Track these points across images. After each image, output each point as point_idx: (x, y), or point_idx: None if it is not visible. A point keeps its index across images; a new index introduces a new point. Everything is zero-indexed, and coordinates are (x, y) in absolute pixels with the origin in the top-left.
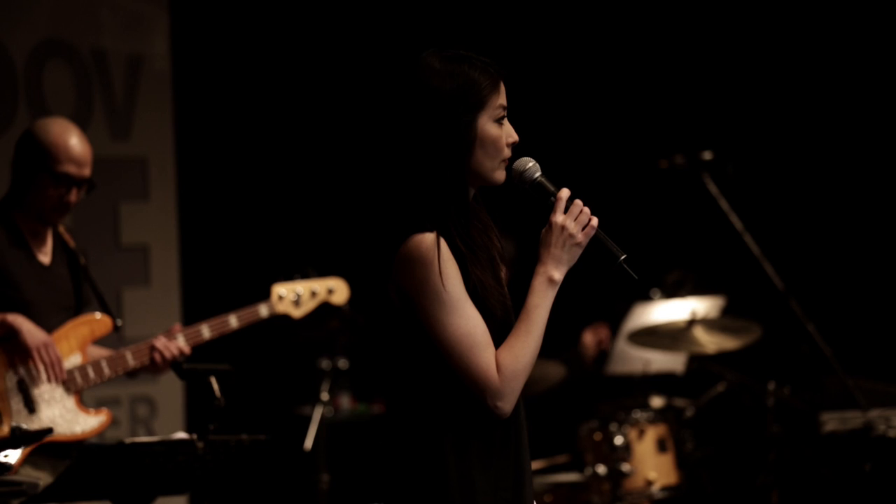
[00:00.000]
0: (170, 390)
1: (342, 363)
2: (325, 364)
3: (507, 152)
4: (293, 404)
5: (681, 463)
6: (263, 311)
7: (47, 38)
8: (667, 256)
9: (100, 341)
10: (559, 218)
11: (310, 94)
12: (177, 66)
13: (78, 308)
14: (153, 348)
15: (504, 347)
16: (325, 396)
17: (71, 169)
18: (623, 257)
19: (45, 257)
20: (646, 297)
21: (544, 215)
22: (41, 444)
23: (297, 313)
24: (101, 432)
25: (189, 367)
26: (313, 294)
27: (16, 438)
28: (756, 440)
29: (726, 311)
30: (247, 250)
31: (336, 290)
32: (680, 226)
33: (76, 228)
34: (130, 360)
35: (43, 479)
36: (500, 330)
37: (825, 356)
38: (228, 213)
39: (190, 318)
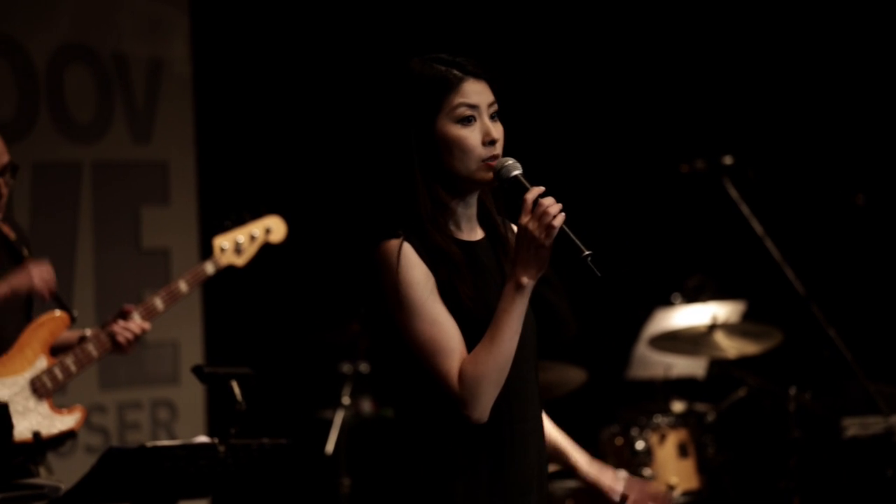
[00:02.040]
0: (191, 394)
1: (363, 367)
2: (346, 368)
3: (483, 151)
4: (315, 408)
5: (702, 468)
6: (209, 268)
7: (68, 43)
8: (688, 261)
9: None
10: (523, 220)
11: (330, 97)
12: (197, 69)
13: (29, 304)
14: (111, 333)
15: (470, 354)
16: (346, 400)
17: None
18: (587, 254)
19: None
20: (667, 302)
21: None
22: (33, 448)
23: (240, 261)
24: (78, 429)
25: (210, 371)
26: (252, 238)
27: (39, 443)
28: (777, 445)
29: (747, 316)
30: (267, 253)
31: (273, 228)
32: (701, 230)
33: (97, 232)
34: (94, 352)
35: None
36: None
37: (846, 361)
38: (250, 216)
39: (211, 321)
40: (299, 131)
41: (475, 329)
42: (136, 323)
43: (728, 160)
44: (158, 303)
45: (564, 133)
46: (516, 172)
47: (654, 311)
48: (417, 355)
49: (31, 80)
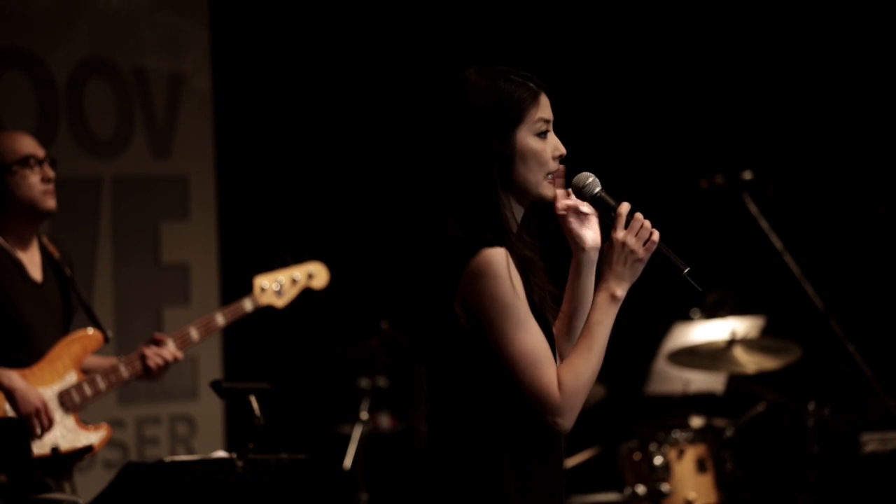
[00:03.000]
0: (209, 409)
1: (382, 382)
2: (364, 383)
3: (553, 165)
4: (333, 423)
5: (720, 483)
6: (248, 305)
7: (89, 58)
8: (707, 276)
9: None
10: (620, 234)
11: (351, 113)
12: (217, 84)
13: (67, 322)
14: (143, 356)
15: (565, 363)
16: (364, 415)
17: (30, 149)
18: (686, 270)
19: (36, 273)
20: (686, 317)
21: (605, 231)
22: (52, 462)
23: (279, 303)
24: (103, 446)
25: (228, 386)
26: (294, 281)
27: (57, 457)
28: (796, 461)
29: (766, 332)
30: (283, 255)
31: (316, 274)
32: (720, 246)
33: (116, 247)
34: (124, 372)
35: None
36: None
37: (866, 376)
38: (269, 232)
39: (230, 339)
40: (319, 145)
41: (552, 342)
42: (170, 350)
43: (747, 175)
44: (194, 333)
45: (584, 148)
46: (599, 189)
47: (672, 327)
48: (511, 365)
49: (52, 94)
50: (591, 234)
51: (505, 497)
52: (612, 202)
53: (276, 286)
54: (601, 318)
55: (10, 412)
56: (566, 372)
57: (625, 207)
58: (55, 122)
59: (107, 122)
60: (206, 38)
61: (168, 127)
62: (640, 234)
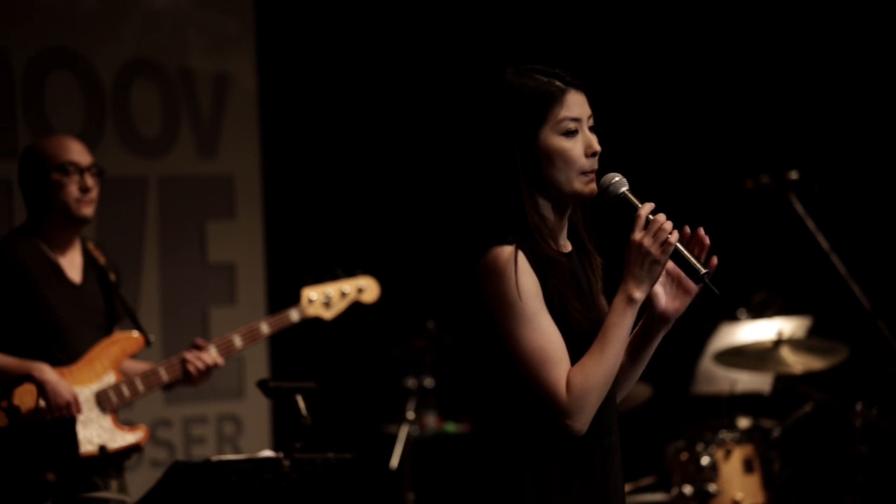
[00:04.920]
0: (256, 408)
1: (428, 381)
2: (410, 382)
3: (585, 163)
4: (379, 423)
5: (768, 484)
6: (294, 315)
7: (135, 58)
8: (753, 276)
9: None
10: (637, 235)
11: (396, 111)
12: (263, 83)
13: (109, 325)
14: (184, 361)
15: (577, 365)
16: (410, 415)
17: (73, 157)
18: (704, 273)
19: (75, 275)
20: (732, 317)
21: (630, 231)
22: (99, 461)
23: (328, 315)
24: (141, 446)
25: (275, 386)
26: (343, 294)
27: (105, 456)
28: (843, 461)
29: (813, 331)
30: (334, 268)
31: (366, 288)
32: (766, 246)
33: (162, 247)
34: (164, 376)
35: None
36: (587, 345)
37: None
38: (315, 230)
39: (277, 338)
40: (365, 144)
41: (579, 342)
42: (211, 356)
43: (794, 175)
44: (237, 340)
45: (630, 149)
46: (624, 189)
47: (719, 327)
48: (521, 365)
49: (98, 95)
50: (666, 300)
51: (521, 500)
52: (636, 202)
53: (323, 298)
54: (617, 321)
55: (42, 404)
56: (576, 373)
57: (646, 208)
58: (101, 123)
59: (153, 121)
60: (252, 37)
61: (214, 126)
62: (657, 235)
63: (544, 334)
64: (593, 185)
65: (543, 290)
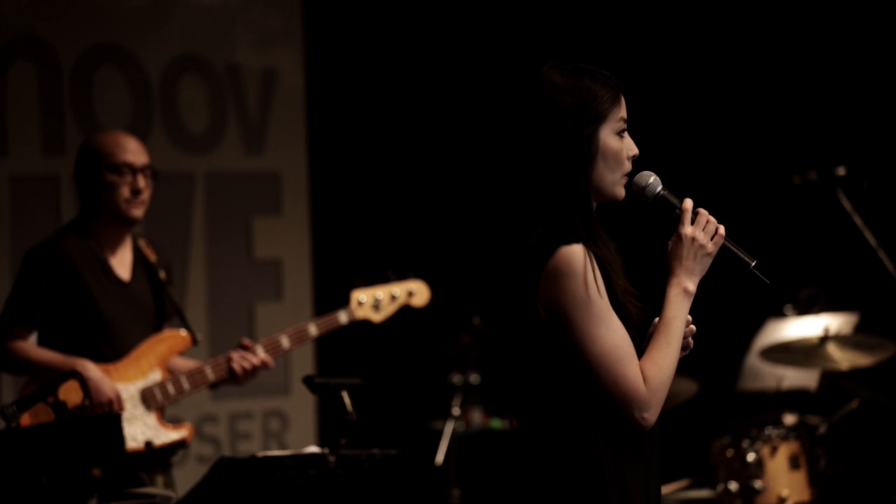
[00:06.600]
0: (302, 405)
1: (473, 378)
2: (456, 379)
3: (628, 166)
4: (425, 419)
5: (814, 480)
6: (343, 317)
7: (182, 54)
8: (800, 272)
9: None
10: (688, 230)
11: (444, 108)
12: (310, 80)
13: (158, 323)
14: (230, 360)
15: (647, 359)
16: (456, 411)
17: (128, 157)
18: (754, 263)
19: (124, 272)
20: (779, 313)
21: (667, 228)
22: (145, 457)
23: (377, 318)
24: (187, 443)
25: (321, 382)
26: (393, 297)
27: (151, 452)
28: (891, 458)
29: (860, 328)
30: (380, 264)
31: (417, 292)
32: (813, 242)
33: (209, 243)
34: (210, 374)
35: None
36: (639, 336)
37: None
38: (361, 226)
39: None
40: (412, 141)
41: (639, 337)
42: (258, 356)
43: (841, 171)
44: (285, 341)
45: (677, 145)
46: (661, 188)
47: (765, 323)
48: (595, 362)
49: (145, 91)
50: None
51: (605, 495)
52: (674, 200)
53: (373, 301)
54: (677, 313)
55: (86, 402)
56: (650, 367)
57: (689, 203)
58: (149, 119)
59: (200, 118)
60: (299, 34)
61: (261, 123)
62: (707, 228)
63: (618, 331)
64: (624, 188)
65: (607, 287)
